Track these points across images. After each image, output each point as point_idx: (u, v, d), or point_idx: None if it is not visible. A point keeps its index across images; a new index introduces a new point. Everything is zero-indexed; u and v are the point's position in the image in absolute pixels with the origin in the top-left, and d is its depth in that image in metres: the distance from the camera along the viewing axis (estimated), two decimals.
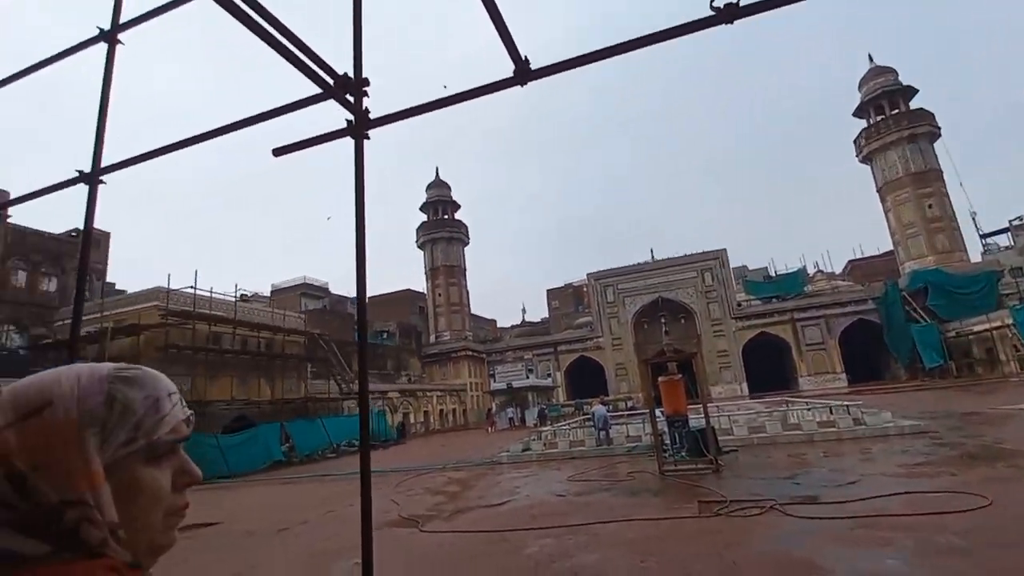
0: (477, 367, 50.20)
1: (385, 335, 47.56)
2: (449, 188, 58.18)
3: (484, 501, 9.29)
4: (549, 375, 47.84)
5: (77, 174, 3.83)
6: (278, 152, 3.28)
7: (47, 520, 0.44)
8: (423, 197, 57.13)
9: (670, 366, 11.47)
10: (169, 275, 22.77)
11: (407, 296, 57.45)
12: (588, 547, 5.68)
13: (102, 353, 21.06)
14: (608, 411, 16.57)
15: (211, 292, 23.63)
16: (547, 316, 68.36)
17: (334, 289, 58.36)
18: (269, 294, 48.71)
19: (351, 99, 2.88)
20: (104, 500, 0.46)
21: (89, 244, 3.80)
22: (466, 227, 57.32)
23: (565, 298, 67.28)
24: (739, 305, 46.79)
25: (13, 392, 0.47)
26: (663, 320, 44.14)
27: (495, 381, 43.59)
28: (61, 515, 0.44)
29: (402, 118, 2.76)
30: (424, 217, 56.88)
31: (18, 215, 27.58)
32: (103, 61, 3.35)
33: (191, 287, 22.36)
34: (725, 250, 47.64)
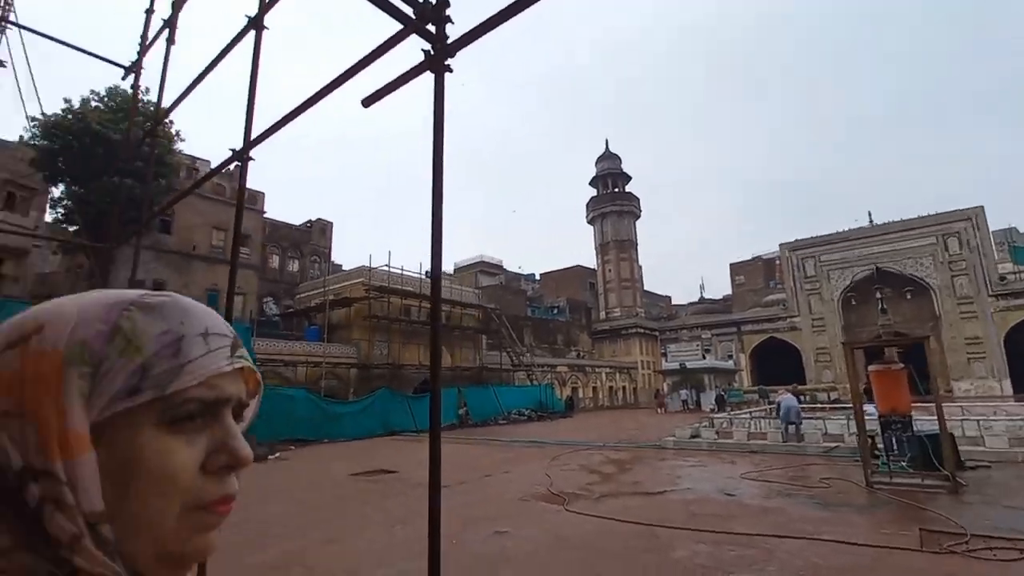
0: (649, 345, 48.23)
1: (556, 310, 48.66)
2: (619, 160, 56.18)
3: (639, 488, 8.63)
4: (730, 356, 43.49)
5: (231, 152, 4.20)
6: (367, 102, 3.12)
7: (8, 496, 0.32)
8: (593, 172, 56.28)
9: (888, 352, 9.11)
10: (370, 255, 26.61)
11: (577, 272, 57.71)
12: (754, 565, 4.69)
13: (325, 320, 25.56)
14: (802, 402, 14.13)
15: (402, 270, 26.80)
16: (729, 293, 62.07)
17: (509, 266, 61.72)
18: (452, 271, 53.61)
19: (433, 29, 2.54)
20: (83, 476, 0.33)
21: (242, 213, 4.14)
22: (637, 200, 54.87)
23: (752, 273, 60.10)
24: (1002, 279, 35.75)
25: (14, 317, 0.37)
26: (880, 297, 36.12)
27: (667, 360, 41.24)
28: (24, 489, 0.32)
29: (485, 31, 2.34)
30: (593, 192, 56.06)
31: (269, 209, 34.78)
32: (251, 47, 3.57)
33: (386, 265, 25.63)
34: (982, 208, 36.58)
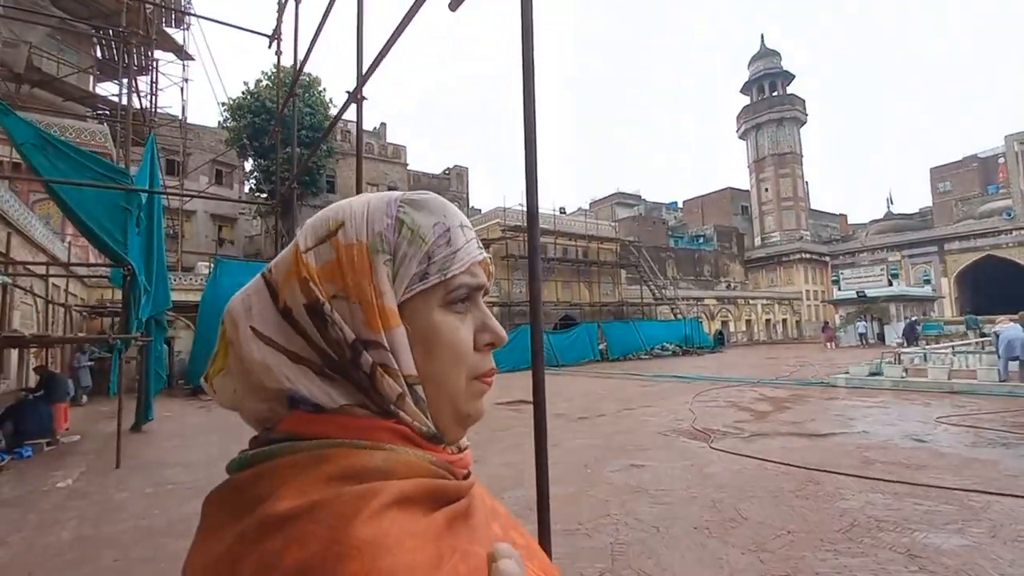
0: (816, 272, 42.50)
1: (701, 239, 45.11)
2: (779, 57, 48.04)
3: (799, 428, 7.72)
4: (927, 281, 36.30)
5: (347, 94, 4.30)
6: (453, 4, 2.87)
7: (344, 364, 0.38)
8: (742, 78, 49.06)
9: None
10: (504, 196, 27.08)
11: (726, 196, 52.21)
12: (949, 524, 3.87)
13: None
14: None
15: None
16: (927, 205, 50.88)
17: (650, 196, 58.23)
18: (588, 206, 52.39)
19: None
20: (400, 345, 0.39)
21: (362, 151, 4.27)
22: (802, 102, 46.87)
23: (962, 177, 48.19)
24: None
25: (315, 217, 0.42)
26: None
27: (839, 289, 35.93)
28: (358, 357, 0.38)
29: None
30: (746, 100, 49.12)
31: (412, 162, 37.10)
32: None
33: (520, 204, 25.82)
34: None
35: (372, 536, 0.30)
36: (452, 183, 39.60)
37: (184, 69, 23.19)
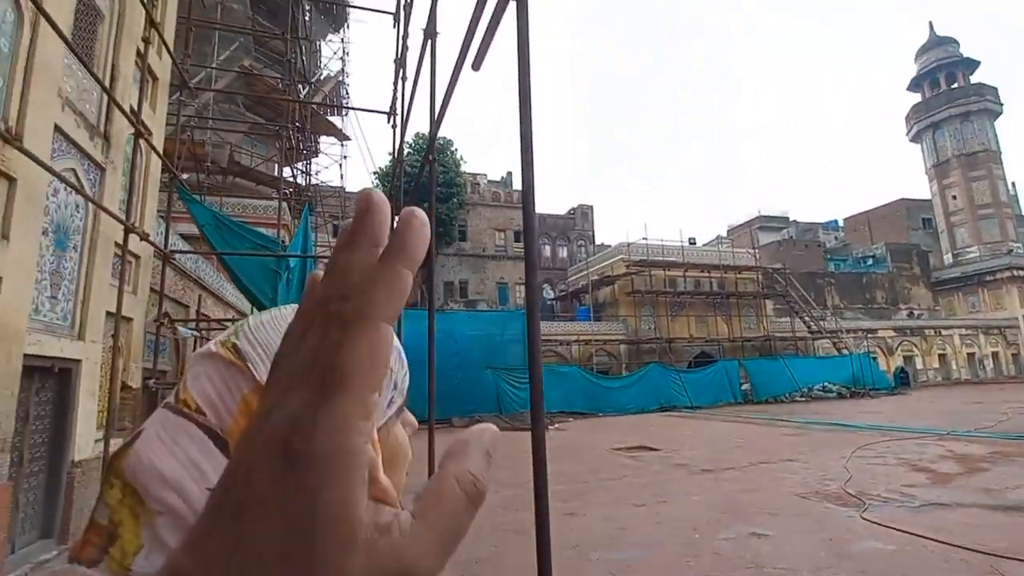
0: None
1: (870, 260, 38.96)
2: (955, 44, 40.89)
3: (994, 499, 6.02)
4: None
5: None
6: (475, 64, 3.00)
7: None
8: (910, 74, 42.54)
9: None
10: (627, 231, 26.61)
11: (899, 208, 44.73)
12: None
13: (593, 300, 26.78)
14: None
15: (662, 241, 25.79)
16: None
17: (800, 216, 52.37)
18: (725, 233, 48.77)
19: None
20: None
21: (433, 202, 4.58)
22: (993, 90, 39.01)
23: None
24: None
25: (255, 349, 0.36)
26: None
27: None
28: None
29: None
30: (915, 98, 42.37)
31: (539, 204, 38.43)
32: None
33: (643, 239, 25.07)
34: None
35: None
36: (577, 222, 40.02)
37: (343, 148, 27.59)
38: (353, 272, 0.19)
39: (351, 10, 23.01)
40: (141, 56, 6.57)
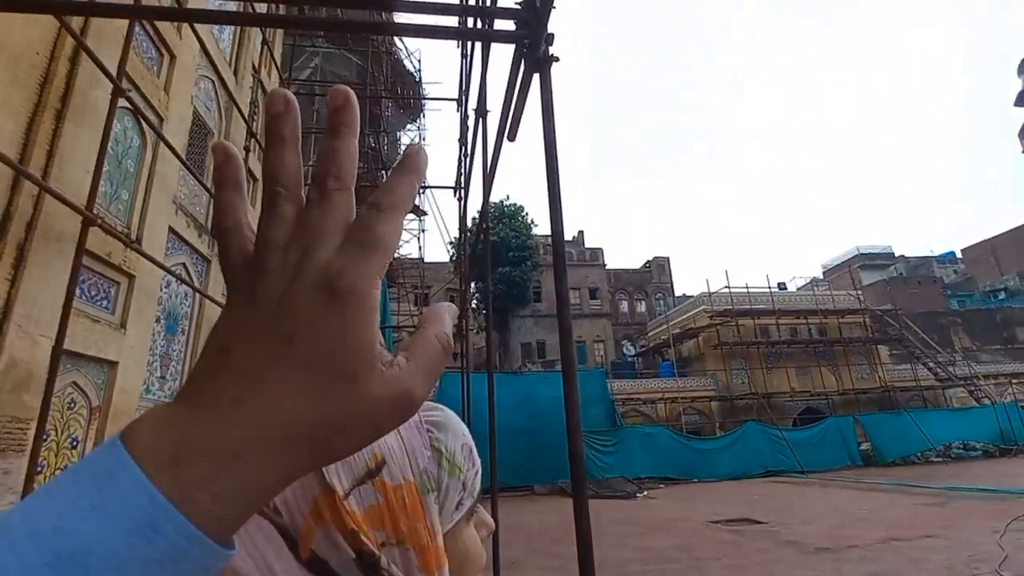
0: None
1: (1002, 294, 34.01)
2: None
3: None
4: None
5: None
6: (511, 136, 3.10)
7: None
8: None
9: None
10: (707, 279, 25.43)
11: None
12: None
13: (677, 354, 25.47)
14: None
15: (747, 288, 24.32)
16: None
17: (908, 250, 47.42)
18: (821, 275, 45.09)
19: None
20: None
21: (489, 277, 4.62)
22: None
23: None
24: None
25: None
26: None
27: None
28: None
29: None
30: (1021, 113, 38.09)
31: (611, 261, 38.12)
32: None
33: (726, 287, 23.80)
34: None
35: None
36: (654, 275, 39.06)
37: (421, 222, 29.67)
38: (348, 159, 0.24)
39: (425, 101, 25.39)
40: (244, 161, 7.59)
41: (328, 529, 0.34)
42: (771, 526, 9.13)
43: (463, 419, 0.44)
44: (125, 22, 4.40)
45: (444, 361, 0.25)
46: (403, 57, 24.23)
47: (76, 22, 4.13)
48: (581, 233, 39.72)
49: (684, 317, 26.25)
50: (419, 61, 21.99)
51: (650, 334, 31.80)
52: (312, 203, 0.23)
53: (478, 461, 0.43)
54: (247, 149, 7.37)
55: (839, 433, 18.69)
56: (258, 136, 7.75)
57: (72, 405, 4.19)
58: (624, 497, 14.34)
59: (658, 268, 39.38)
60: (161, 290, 5.56)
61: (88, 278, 4.36)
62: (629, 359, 31.75)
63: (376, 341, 0.22)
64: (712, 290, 24.09)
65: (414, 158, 0.26)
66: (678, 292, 38.84)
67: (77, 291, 4.30)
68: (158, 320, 5.51)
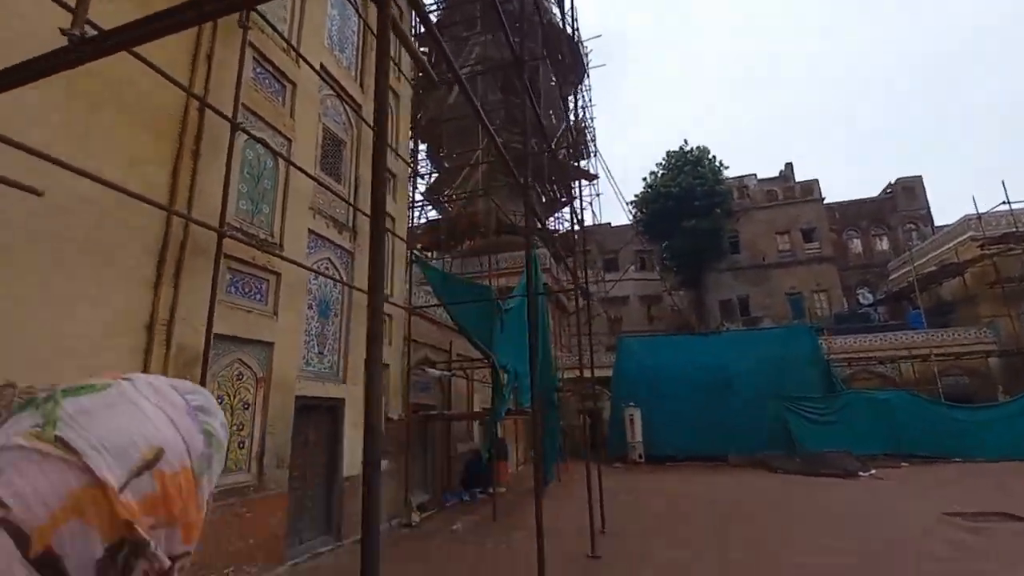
0: None
1: None
2: None
3: None
4: None
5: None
6: None
7: None
8: None
9: None
10: (973, 196, 19.09)
11: None
12: None
13: (932, 300, 19.98)
14: None
15: None
16: None
17: None
18: None
19: None
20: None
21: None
22: None
23: None
24: None
25: (90, 443, 0.36)
26: None
27: None
28: (168, 574, 0.39)
29: None
30: None
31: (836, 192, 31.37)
32: None
33: (1004, 203, 17.39)
34: None
35: None
36: (899, 202, 30.87)
37: (593, 187, 28.94)
38: None
39: (589, 60, 24.67)
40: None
41: (84, 524, 0.34)
42: None
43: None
44: (238, 66, 5.35)
45: None
46: (557, 20, 23.85)
47: (200, 74, 5.20)
48: (789, 165, 33.70)
49: (941, 251, 20.20)
50: (575, 20, 21.40)
51: (892, 277, 25.42)
52: None
53: (227, 429, 0.46)
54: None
55: None
56: (397, 137, 8.61)
57: (240, 377, 5.44)
58: (841, 476, 12.00)
59: (905, 193, 30.93)
60: (311, 282, 6.73)
61: (239, 279, 5.54)
62: (861, 310, 26.02)
63: None
64: (982, 210, 17.93)
65: None
66: (944, 220, 30.02)
67: (232, 289, 5.49)
68: (310, 307, 6.71)
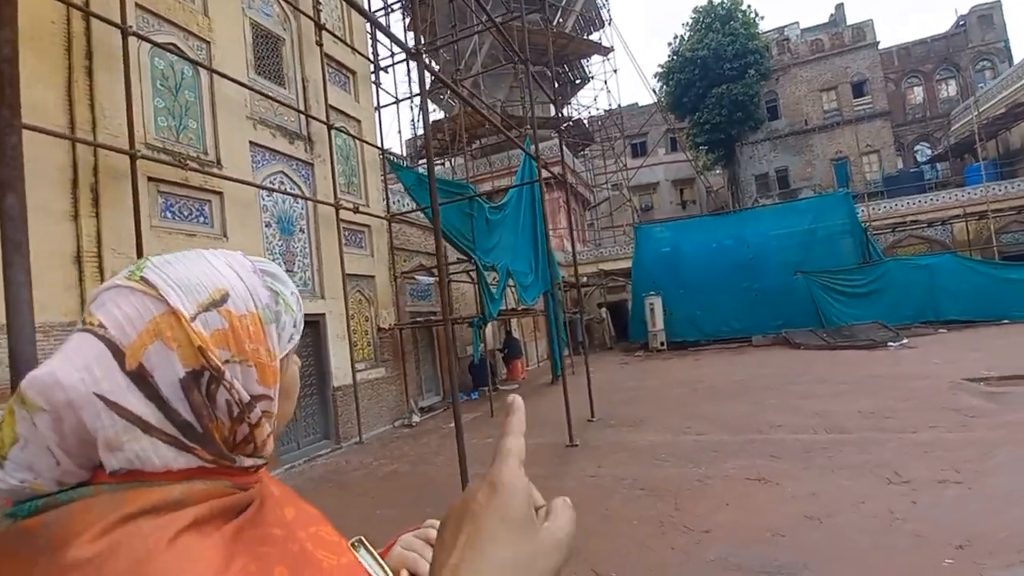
0: None
1: None
2: None
3: None
4: None
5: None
6: None
7: (205, 433, 0.40)
8: None
9: None
10: None
11: None
12: None
13: (999, 149, 17.72)
14: None
15: None
16: None
17: None
18: None
19: None
20: (277, 394, 0.46)
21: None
22: None
23: None
24: None
25: (176, 277, 0.42)
26: None
27: None
28: (247, 412, 0.42)
29: None
30: None
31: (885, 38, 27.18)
32: None
33: None
34: None
35: (168, 562, 0.32)
36: (971, 36, 26.43)
37: (609, 62, 26.07)
38: (513, 455, 0.36)
39: None
40: (331, 58, 7.81)
41: (165, 346, 0.38)
42: None
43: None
44: None
45: (574, 522, 0.35)
46: None
47: None
48: (840, 8, 29.15)
49: (1013, 90, 17.42)
50: None
51: (954, 127, 22.52)
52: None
53: (302, 308, 0.50)
54: (319, 44, 7.47)
55: None
56: (328, 28, 7.73)
57: None
58: (868, 347, 11.51)
59: (980, 23, 26.31)
60: (264, 199, 6.45)
61: (175, 201, 5.30)
62: (915, 168, 23.56)
63: (531, 510, 0.34)
64: None
65: (515, 416, 0.38)
66: (1016, 57, 25.72)
67: (167, 213, 5.29)
68: (268, 225, 6.49)
